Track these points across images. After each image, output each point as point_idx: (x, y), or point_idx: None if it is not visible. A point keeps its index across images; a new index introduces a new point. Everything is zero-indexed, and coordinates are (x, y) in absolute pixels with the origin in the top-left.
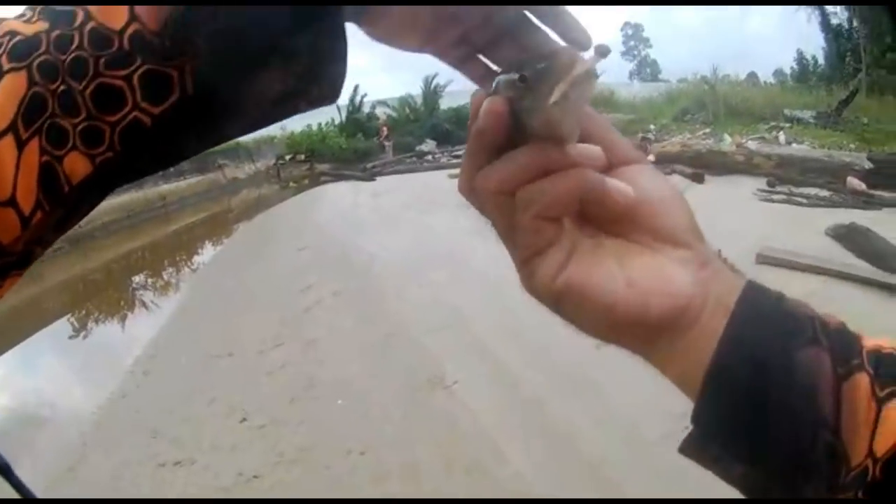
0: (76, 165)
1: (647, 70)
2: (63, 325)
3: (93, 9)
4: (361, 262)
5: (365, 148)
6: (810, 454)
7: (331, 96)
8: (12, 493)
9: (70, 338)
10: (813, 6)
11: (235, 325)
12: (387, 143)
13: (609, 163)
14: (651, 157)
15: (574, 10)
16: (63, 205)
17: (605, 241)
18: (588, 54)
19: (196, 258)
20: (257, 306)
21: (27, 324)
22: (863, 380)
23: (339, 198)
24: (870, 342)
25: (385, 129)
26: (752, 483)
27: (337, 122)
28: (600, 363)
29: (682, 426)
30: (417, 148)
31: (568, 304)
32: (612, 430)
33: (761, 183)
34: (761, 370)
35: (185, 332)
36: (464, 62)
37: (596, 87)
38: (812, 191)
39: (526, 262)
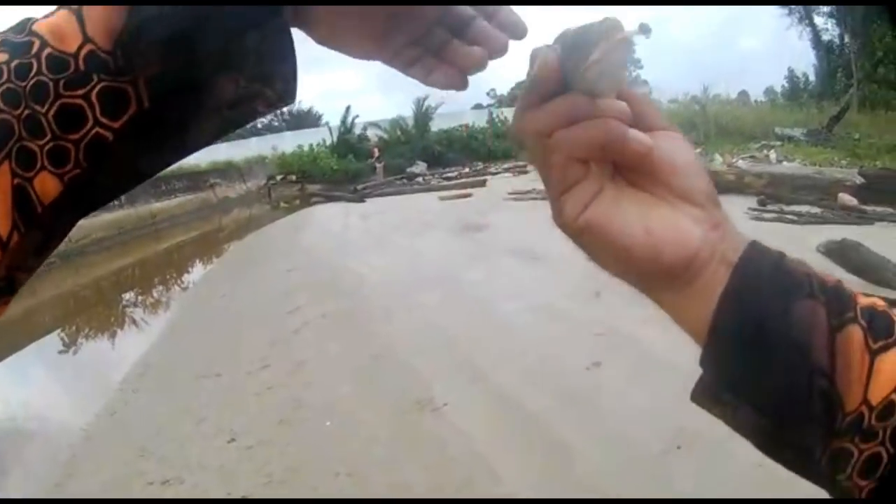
0: (47, 185)
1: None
2: (53, 340)
3: (47, 35)
4: (351, 283)
5: (356, 169)
6: (807, 399)
7: (286, 97)
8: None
9: (60, 352)
10: (804, 24)
11: (224, 345)
12: (377, 165)
13: (640, 126)
14: None
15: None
16: (38, 226)
17: (630, 191)
18: (630, 27)
19: (186, 277)
20: (246, 326)
21: (18, 337)
22: (856, 332)
23: (329, 219)
24: (864, 300)
25: (376, 150)
26: (756, 425)
27: (328, 143)
28: (592, 382)
29: (676, 444)
30: (408, 170)
31: (589, 240)
32: (607, 447)
33: (752, 202)
34: (760, 320)
35: (174, 351)
36: (412, 65)
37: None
38: (803, 208)
39: (556, 198)
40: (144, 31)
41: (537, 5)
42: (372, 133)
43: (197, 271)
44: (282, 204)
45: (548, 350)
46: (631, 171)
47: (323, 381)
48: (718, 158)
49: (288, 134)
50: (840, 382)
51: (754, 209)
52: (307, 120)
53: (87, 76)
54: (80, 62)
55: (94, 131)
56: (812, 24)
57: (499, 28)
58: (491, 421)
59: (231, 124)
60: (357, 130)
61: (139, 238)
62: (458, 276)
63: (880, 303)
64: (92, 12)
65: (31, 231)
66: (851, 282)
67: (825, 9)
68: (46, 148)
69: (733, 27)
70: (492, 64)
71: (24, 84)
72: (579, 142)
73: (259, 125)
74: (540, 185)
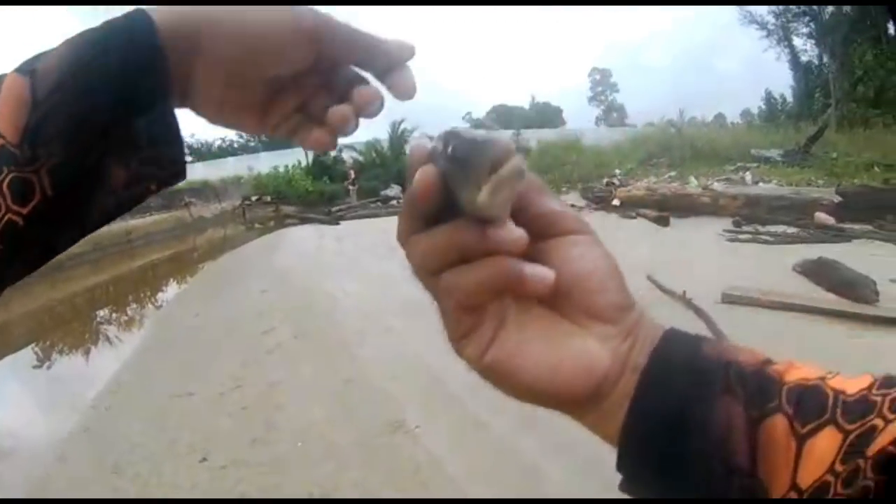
0: None
1: (614, 115)
2: (27, 354)
3: None
4: (324, 306)
5: (331, 191)
6: (726, 496)
7: (176, 177)
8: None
9: (34, 367)
10: (783, 45)
11: (197, 365)
12: (351, 188)
13: (550, 233)
14: (616, 202)
15: (542, 56)
16: None
17: (533, 317)
18: (518, 155)
19: (160, 295)
20: (219, 347)
21: None
22: (779, 421)
23: (303, 240)
24: (794, 375)
25: (352, 172)
26: None
27: (304, 164)
28: None
29: None
30: (382, 192)
31: (494, 379)
32: (579, 472)
33: (728, 224)
34: (672, 425)
35: (147, 370)
36: (295, 132)
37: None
38: (780, 228)
39: (454, 342)
40: (45, 125)
41: (537, 5)
42: (347, 155)
43: (171, 290)
44: (256, 225)
45: None
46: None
47: (296, 403)
48: (693, 181)
49: (264, 154)
50: (762, 474)
51: (729, 230)
52: (284, 141)
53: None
54: None
55: (6, 217)
56: (791, 46)
57: (392, 89)
58: (463, 444)
59: (126, 204)
60: (332, 153)
61: (114, 255)
62: (430, 300)
63: (811, 375)
64: (4, 108)
65: None
66: (829, 300)
67: (804, 30)
68: None
69: (711, 50)
70: (469, 86)
71: None
72: (470, 289)
73: (235, 145)
74: None
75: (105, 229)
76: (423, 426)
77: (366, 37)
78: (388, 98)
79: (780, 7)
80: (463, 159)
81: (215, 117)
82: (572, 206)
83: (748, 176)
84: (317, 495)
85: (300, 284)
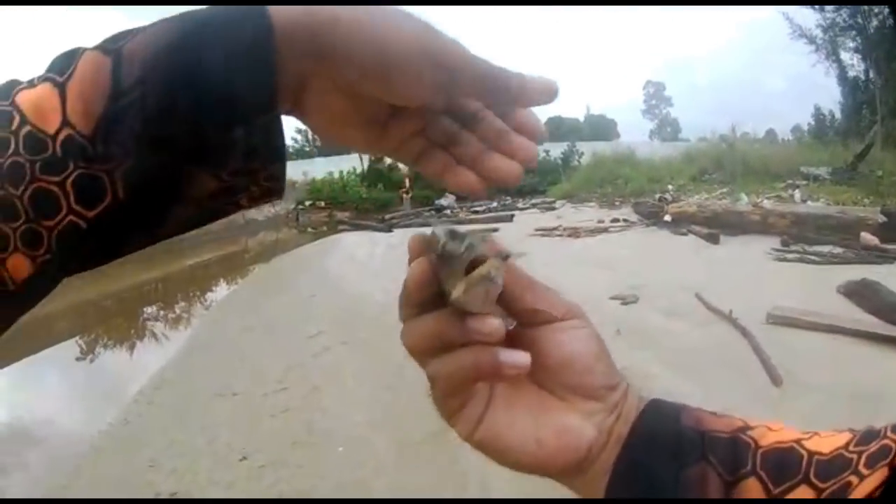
0: (18, 266)
1: (667, 129)
2: (71, 347)
3: (28, 111)
4: (373, 312)
5: (384, 199)
6: None
7: (274, 194)
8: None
9: (77, 359)
10: (831, 60)
11: (242, 366)
12: (405, 196)
13: (538, 321)
14: (668, 218)
15: (597, 69)
16: (9, 303)
17: (522, 395)
18: (495, 260)
19: (209, 295)
20: (266, 348)
21: (34, 340)
22: (753, 485)
23: (355, 247)
24: (769, 439)
25: (407, 180)
26: None
27: (359, 170)
28: None
29: None
30: (436, 202)
31: (485, 451)
32: None
33: (776, 242)
34: (651, 491)
35: (192, 368)
36: (419, 158)
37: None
38: (826, 248)
39: (446, 419)
40: (125, 119)
41: (541, 5)
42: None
43: (220, 290)
44: (309, 229)
45: None
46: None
47: (339, 407)
48: (744, 198)
49: (319, 160)
50: None
51: (777, 249)
52: (339, 147)
53: (63, 161)
54: (58, 146)
55: (67, 219)
56: (838, 60)
57: (518, 129)
58: None
59: (209, 216)
60: (388, 160)
61: (164, 254)
62: None
63: (786, 437)
64: (74, 88)
65: (2, 308)
66: (872, 323)
67: (851, 44)
68: (19, 231)
69: (762, 65)
70: None
71: (1, 161)
72: (451, 376)
73: (290, 150)
74: (566, 223)
75: None
76: None
77: (500, 73)
78: None
79: (828, 21)
80: (447, 257)
81: (325, 132)
82: (624, 220)
83: (797, 194)
84: (353, 499)
85: (350, 290)
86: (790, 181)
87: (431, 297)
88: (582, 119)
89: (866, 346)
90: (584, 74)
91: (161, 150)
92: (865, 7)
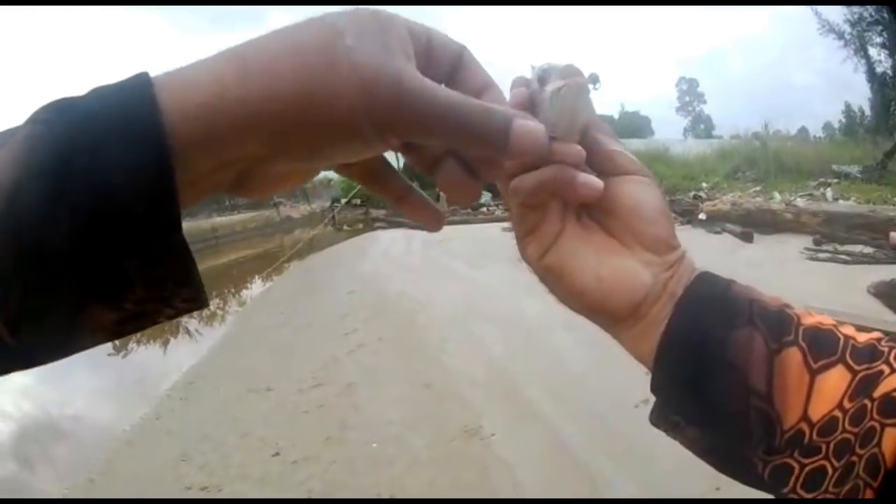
0: None
1: (701, 126)
2: None
3: None
4: (409, 310)
5: None
6: (745, 418)
7: (193, 307)
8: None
9: (109, 355)
10: (860, 56)
11: (277, 362)
12: (442, 194)
13: (614, 171)
14: (702, 216)
15: (631, 64)
16: None
17: (592, 232)
18: (580, 78)
19: (244, 292)
20: (301, 345)
21: None
22: (795, 354)
23: (391, 245)
24: (810, 319)
25: None
26: (703, 443)
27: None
28: (644, 423)
29: (715, 485)
30: None
31: (548, 281)
32: (648, 488)
33: (808, 241)
34: (700, 348)
35: (226, 363)
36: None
37: (593, 113)
38: (857, 248)
39: (520, 240)
40: (9, 271)
41: (546, 5)
42: None
43: (256, 287)
44: (345, 227)
45: (598, 385)
46: (597, 210)
47: (373, 404)
48: (777, 196)
49: None
50: (778, 401)
51: (809, 249)
52: None
53: None
54: None
55: None
56: (867, 56)
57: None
58: (538, 456)
59: (123, 333)
60: None
61: (199, 251)
62: (515, 307)
63: (825, 321)
64: None
65: None
66: None
67: (878, 39)
68: None
69: (790, 61)
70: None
71: None
72: (530, 188)
73: None
74: None
75: (191, 224)
76: (499, 435)
77: (460, 107)
78: None
79: (856, 15)
80: (540, 73)
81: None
82: None
83: (829, 192)
84: (384, 496)
85: (386, 288)
86: (822, 179)
87: None
88: (616, 116)
89: None
90: (619, 71)
91: (38, 292)
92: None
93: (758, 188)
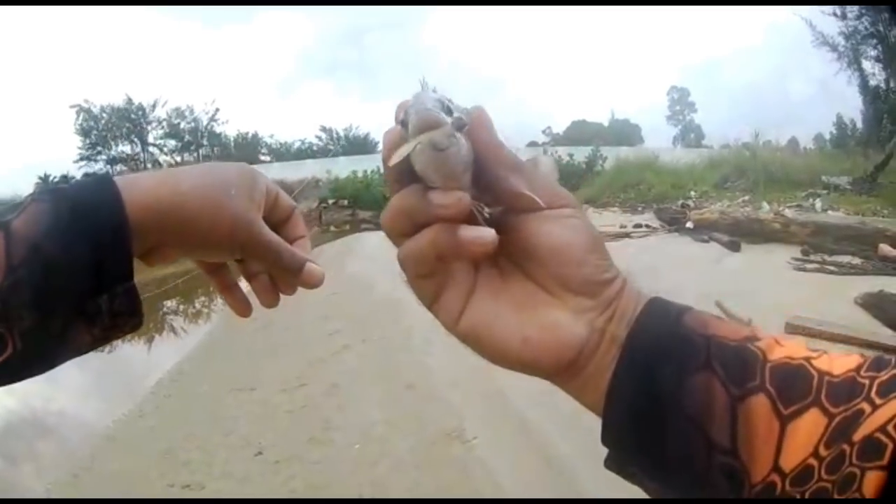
0: None
1: (691, 135)
2: None
3: None
4: (393, 311)
5: None
6: (707, 474)
7: (135, 329)
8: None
9: (94, 351)
10: (853, 69)
11: (261, 361)
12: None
13: (519, 208)
14: (690, 224)
15: (622, 73)
16: None
17: (510, 286)
18: (443, 129)
19: None
20: (285, 345)
21: None
22: (761, 401)
23: (377, 246)
24: (778, 353)
25: None
26: (664, 494)
27: (382, 170)
28: None
29: None
30: None
31: (469, 345)
32: (632, 493)
33: (796, 251)
34: (652, 399)
35: (210, 362)
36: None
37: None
38: (845, 258)
39: (427, 307)
40: (15, 293)
41: (545, 5)
42: None
43: (242, 287)
44: (332, 228)
45: None
46: (517, 253)
47: (356, 405)
48: (766, 206)
49: (343, 159)
50: (744, 454)
51: (797, 259)
52: (363, 146)
53: None
54: None
55: None
56: (860, 69)
57: (302, 285)
58: (519, 459)
59: (87, 350)
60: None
61: None
62: None
63: (796, 354)
64: None
65: None
66: (887, 335)
67: (872, 52)
68: None
69: (783, 72)
70: (549, 100)
71: None
72: (414, 255)
73: (314, 147)
74: None
75: None
76: (481, 437)
77: (278, 250)
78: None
79: (850, 28)
80: (401, 123)
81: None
82: (647, 226)
83: (818, 203)
84: (366, 496)
85: (371, 289)
86: (811, 190)
87: (408, 173)
88: (606, 124)
89: None
90: (609, 78)
91: (45, 316)
92: (886, 15)
93: (746, 198)
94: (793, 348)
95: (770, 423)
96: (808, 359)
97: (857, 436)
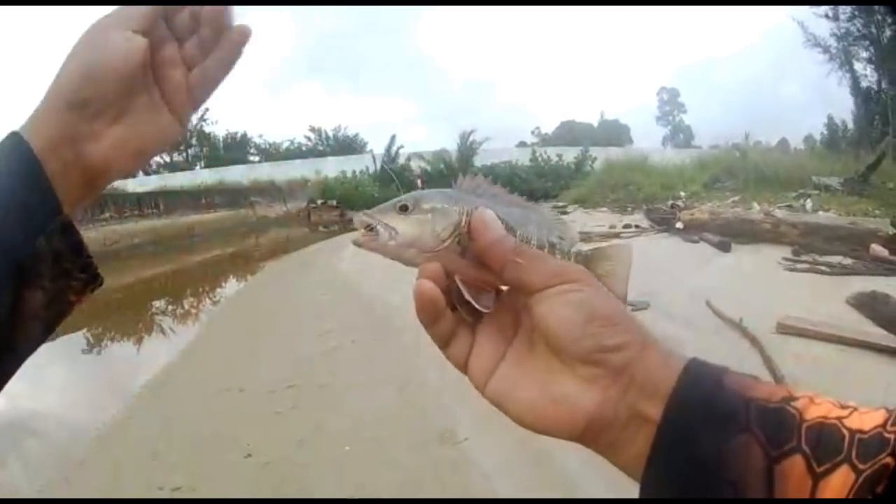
0: None
1: (680, 136)
2: (77, 339)
3: None
4: (383, 312)
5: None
6: None
7: (93, 280)
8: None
9: (83, 352)
10: (844, 70)
11: (251, 362)
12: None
13: (529, 288)
14: (680, 225)
15: (612, 74)
16: None
17: (535, 357)
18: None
19: (218, 291)
20: (274, 345)
21: None
22: (797, 462)
23: None
24: (813, 413)
25: (419, 181)
26: None
27: (371, 170)
28: None
29: None
30: None
31: (497, 407)
32: (627, 494)
33: (787, 251)
34: (693, 461)
35: (199, 363)
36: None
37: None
38: (836, 259)
39: (462, 370)
40: None
41: (546, 5)
42: (415, 164)
43: (230, 287)
44: (321, 228)
45: None
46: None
47: (347, 406)
48: (756, 207)
49: (331, 159)
50: None
51: (788, 259)
52: (352, 146)
53: None
54: None
55: None
56: (851, 70)
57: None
58: (510, 460)
59: (52, 323)
60: (401, 160)
61: (175, 249)
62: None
63: (831, 414)
64: None
65: None
66: (880, 335)
67: (864, 54)
68: None
69: (776, 74)
70: (538, 102)
71: None
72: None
73: (303, 147)
74: (578, 227)
75: (167, 223)
76: (472, 438)
77: (196, 14)
78: (460, 109)
79: (842, 30)
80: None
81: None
82: (636, 226)
83: (808, 203)
84: (357, 498)
85: (360, 290)
86: (802, 191)
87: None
88: (595, 124)
89: (874, 357)
90: (599, 79)
91: None
92: (879, 17)
93: (736, 198)
94: (827, 407)
95: (803, 481)
96: (840, 418)
97: (881, 489)
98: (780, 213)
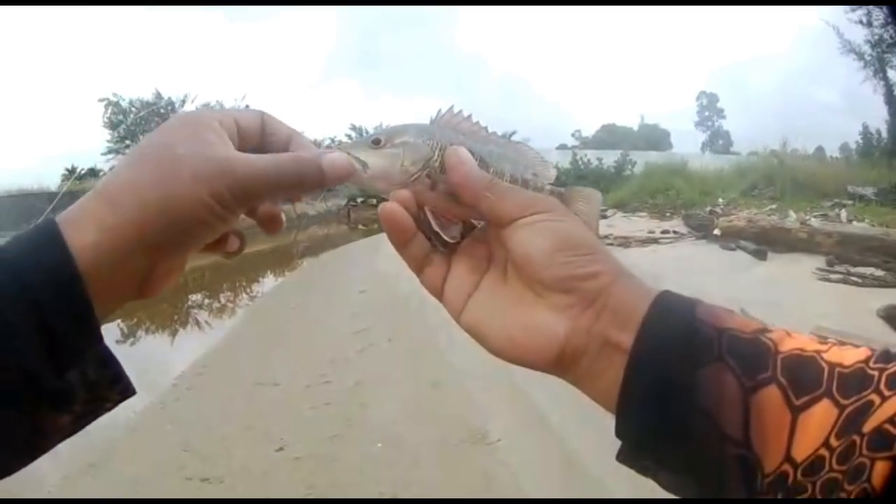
0: None
1: (719, 141)
2: (111, 329)
3: None
4: (419, 311)
5: None
6: (721, 465)
7: (126, 395)
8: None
9: (117, 342)
10: (878, 77)
11: (285, 357)
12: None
13: (500, 221)
14: (717, 232)
15: (653, 77)
16: None
17: (507, 286)
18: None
19: (256, 286)
20: (310, 342)
21: None
22: (773, 393)
23: None
24: (790, 344)
25: None
26: (677, 487)
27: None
28: None
29: None
30: None
31: (472, 337)
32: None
33: (821, 261)
34: (666, 393)
35: (234, 356)
36: None
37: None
38: (868, 270)
39: (438, 298)
40: None
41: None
42: None
43: (268, 283)
44: (360, 226)
45: None
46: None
47: (380, 404)
48: (792, 215)
49: None
50: (757, 445)
51: (822, 269)
52: None
53: None
54: None
55: None
56: (885, 78)
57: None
58: (542, 463)
59: (79, 429)
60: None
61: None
62: None
63: (808, 346)
64: None
65: None
66: None
67: None
68: None
69: (811, 79)
70: (580, 104)
71: None
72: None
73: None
74: (617, 231)
75: None
76: (505, 439)
77: (276, 163)
78: (500, 110)
79: (876, 36)
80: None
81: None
82: (674, 232)
83: (843, 213)
84: (387, 495)
85: (398, 288)
86: (837, 200)
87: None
88: (636, 128)
89: None
90: (639, 82)
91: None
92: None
93: (773, 206)
94: (803, 340)
95: (782, 414)
96: (818, 351)
97: (867, 427)
98: (815, 222)
